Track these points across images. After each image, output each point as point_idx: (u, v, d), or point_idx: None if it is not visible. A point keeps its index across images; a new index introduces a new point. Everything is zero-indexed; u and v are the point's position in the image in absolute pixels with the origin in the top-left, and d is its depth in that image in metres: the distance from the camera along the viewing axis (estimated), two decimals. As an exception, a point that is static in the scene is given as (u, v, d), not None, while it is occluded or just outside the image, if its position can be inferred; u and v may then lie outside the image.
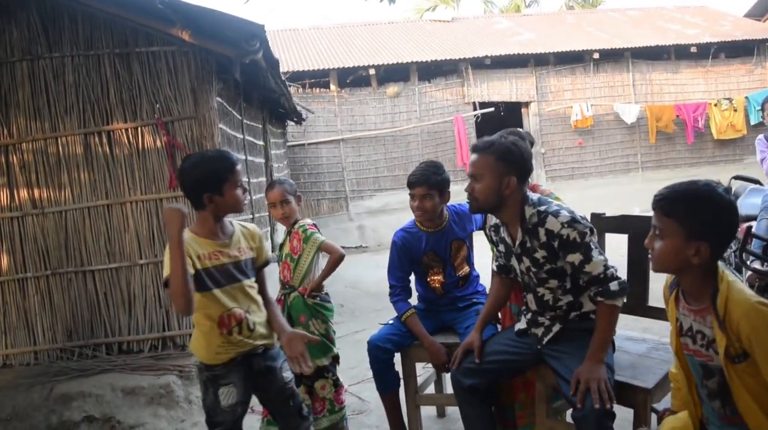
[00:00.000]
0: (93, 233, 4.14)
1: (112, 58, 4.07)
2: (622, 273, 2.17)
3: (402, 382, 2.81)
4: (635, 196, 11.31)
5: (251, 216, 5.80)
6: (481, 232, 2.72)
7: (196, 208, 2.15)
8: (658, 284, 2.14)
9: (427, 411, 3.21)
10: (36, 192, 4.12)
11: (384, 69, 11.59)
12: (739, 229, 2.63)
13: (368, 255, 9.91)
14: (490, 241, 2.47)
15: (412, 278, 2.93)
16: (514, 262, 2.30)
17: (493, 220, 2.37)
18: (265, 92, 6.34)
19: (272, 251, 5.49)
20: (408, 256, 2.83)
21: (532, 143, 2.81)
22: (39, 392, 3.55)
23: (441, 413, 3.29)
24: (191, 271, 1.99)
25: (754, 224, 3.43)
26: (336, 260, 2.94)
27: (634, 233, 2.53)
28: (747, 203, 3.76)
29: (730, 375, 1.52)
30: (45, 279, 4.16)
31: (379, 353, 2.72)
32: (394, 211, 10.89)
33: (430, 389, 3.20)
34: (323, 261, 3.04)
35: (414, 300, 2.88)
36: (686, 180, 1.62)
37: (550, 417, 2.36)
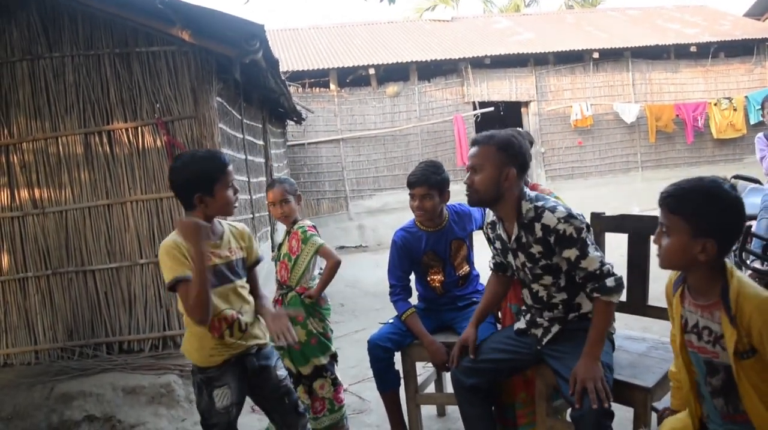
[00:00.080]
0: (93, 232, 4.14)
1: (113, 57, 4.07)
2: (623, 273, 2.18)
3: (402, 381, 2.82)
4: (635, 195, 11.34)
5: (251, 215, 5.81)
6: (481, 231, 2.72)
7: (186, 209, 2.13)
8: (657, 283, 2.15)
9: (428, 410, 3.21)
10: (36, 192, 4.12)
11: (384, 69, 11.60)
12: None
13: (368, 255, 9.92)
14: (488, 238, 2.48)
15: (412, 277, 2.94)
16: (510, 258, 2.31)
17: (490, 216, 2.38)
18: (265, 92, 6.34)
19: (272, 251, 5.49)
20: (408, 255, 2.83)
21: (531, 143, 2.82)
22: (40, 391, 3.56)
23: (441, 412, 3.30)
24: (190, 273, 1.98)
25: (753, 223, 3.44)
26: (333, 267, 2.95)
27: (634, 232, 2.54)
28: (747, 203, 3.71)
29: (737, 372, 1.53)
30: (46, 279, 4.16)
31: (379, 353, 2.73)
32: (394, 211, 10.90)
33: (431, 389, 3.21)
34: (322, 261, 3.05)
35: (414, 299, 2.88)
36: (692, 177, 1.62)
37: (550, 416, 2.37)
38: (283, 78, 6.12)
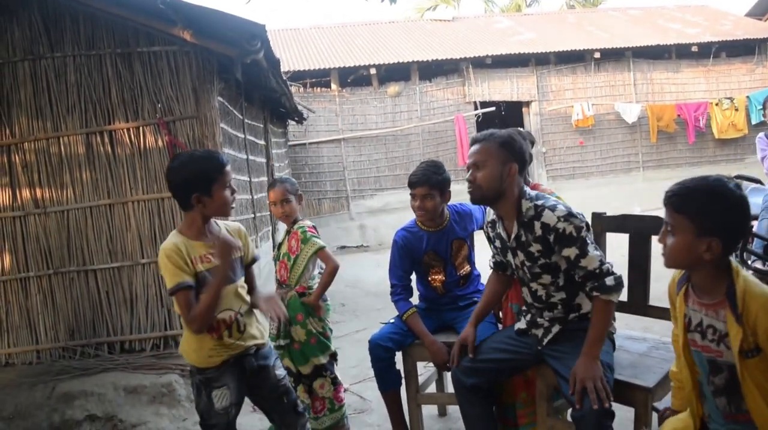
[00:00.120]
0: (95, 232, 4.14)
1: (114, 57, 4.07)
2: (623, 273, 2.18)
3: (403, 381, 2.82)
4: (636, 195, 11.34)
5: (253, 215, 5.81)
6: (482, 231, 2.73)
7: (183, 209, 2.12)
8: (658, 283, 2.15)
9: (429, 410, 3.22)
10: (38, 192, 4.13)
11: (385, 68, 11.59)
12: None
13: (369, 254, 9.93)
14: (488, 237, 2.48)
15: (414, 277, 2.94)
16: (509, 256, 2.31)
17: (490, 215, 2.38)
18: (266, 92, 6.35)
19: (273, 250, 5.49)
20: (409, 255, 2.84)
21: (532, 143, 2.82)
22: (41, 390, 3.56)
23: (442, 412, 3.30)
24: (191, 279, 1.99)
25: (755, 223, 3.44)
26: (330, 272, 2.95)
27: (635, 232, 2.53)
28: (748, 203, 3.75)
29: (741, 370, 1.53)
30: (47, 278, 4.17)
31: (380, 352, 2.73)
32: (395, 211, 10.90)
33: (432, 388, 3.21)
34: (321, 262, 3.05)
35: (415, 299, 2.89)
36: (697, 176, 1.62)
37: (551, 416, 2.37)
38: (284, 78, 6.13)
